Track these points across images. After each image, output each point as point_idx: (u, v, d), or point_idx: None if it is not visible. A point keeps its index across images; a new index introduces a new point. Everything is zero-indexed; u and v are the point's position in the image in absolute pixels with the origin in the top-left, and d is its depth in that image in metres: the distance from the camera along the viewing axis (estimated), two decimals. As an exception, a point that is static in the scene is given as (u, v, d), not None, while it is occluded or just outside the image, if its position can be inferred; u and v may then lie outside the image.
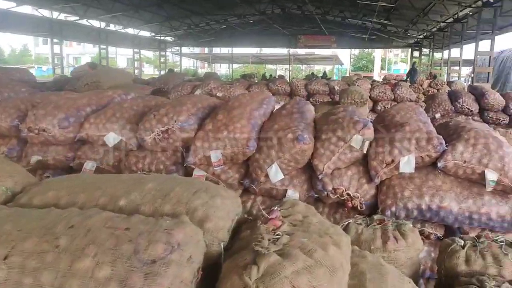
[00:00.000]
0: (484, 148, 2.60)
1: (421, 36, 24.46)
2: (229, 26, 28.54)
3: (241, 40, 31.76)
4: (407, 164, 2.59)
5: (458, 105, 8.01)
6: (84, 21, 19.39)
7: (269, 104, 3.38)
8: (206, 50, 50.85)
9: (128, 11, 19.99)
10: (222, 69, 56.05)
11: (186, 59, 54.77)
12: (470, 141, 2.66)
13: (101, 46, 21.81)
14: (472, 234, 2.34)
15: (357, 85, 8.53)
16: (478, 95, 8.16)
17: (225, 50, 52.29)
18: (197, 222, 1.62)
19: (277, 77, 25.96)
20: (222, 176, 2.99)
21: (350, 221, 2.21)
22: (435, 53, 24.59)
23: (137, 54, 26.01)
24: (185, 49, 52.95)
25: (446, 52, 20.16)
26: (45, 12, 17.26)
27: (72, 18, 18.97)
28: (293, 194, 2.83)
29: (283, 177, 2.83)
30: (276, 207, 1.85)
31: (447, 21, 17.93)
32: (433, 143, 2.66)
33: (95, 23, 20.66)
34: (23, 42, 54.73)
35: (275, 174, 2.78)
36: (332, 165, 2.75)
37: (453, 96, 8.22)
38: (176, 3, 20.09)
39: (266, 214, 1.74)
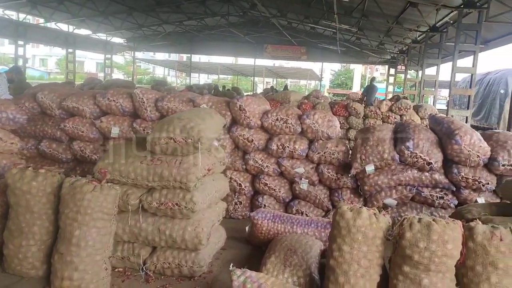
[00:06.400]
0: None
1: (397, 51, 21.16)
2: (187, 30, 25.04)
3: (201, 47, 28.28)
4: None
5: (406, 151, 4.44)
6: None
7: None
8: (184, 57, 47.23)
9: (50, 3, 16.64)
10: (202, 79, 52.30)
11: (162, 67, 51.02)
12: None
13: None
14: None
15: (239, 105, 4.91)
16: (443, 134, 4.61)
17: (205, 58, 48.89)
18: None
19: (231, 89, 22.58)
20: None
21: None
22: (414, 71, 21.30)
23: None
24: (160, 55, 49.49)
25: (426, 70, 16.84)
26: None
27: None
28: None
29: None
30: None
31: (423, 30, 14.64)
32: None
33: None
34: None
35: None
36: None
37: (399, 135, 4.66)
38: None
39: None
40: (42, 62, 55.77)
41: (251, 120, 5.00)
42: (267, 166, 5.02)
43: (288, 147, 4.90)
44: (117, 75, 47.72)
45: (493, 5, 9.64)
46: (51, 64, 54.09)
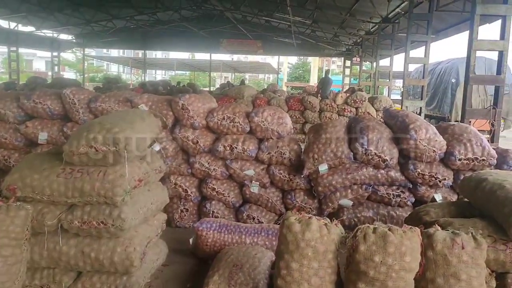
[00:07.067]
0: None
1: (351, 43, 21.25)
2: (139, 26, 24.05)
3: (155, 42, 27.34)
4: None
5: (360, 149, 4.18)
6: None
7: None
8: (140, 54, 45.73)
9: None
10: (158, 76, 50.89)
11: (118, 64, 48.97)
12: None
13: None
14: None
15: (182, 104, 4.49)
16: (398, 128, 4.39)
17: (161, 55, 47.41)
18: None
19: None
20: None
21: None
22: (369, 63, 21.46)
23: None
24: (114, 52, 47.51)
25: (380, 61, 16.97)
26: None
27: None
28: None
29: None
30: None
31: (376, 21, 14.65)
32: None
33: None
34: None
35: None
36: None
37: (352, 131, 4.40)
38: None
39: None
40: (-14, 61, 52.65)
41: (195, 120, 4.58)
42: (214, 169, 4.62)
43: (236, 148, 4.52)
44: (69, 73, 45.66)
45: (443, -5, 9.69)
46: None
